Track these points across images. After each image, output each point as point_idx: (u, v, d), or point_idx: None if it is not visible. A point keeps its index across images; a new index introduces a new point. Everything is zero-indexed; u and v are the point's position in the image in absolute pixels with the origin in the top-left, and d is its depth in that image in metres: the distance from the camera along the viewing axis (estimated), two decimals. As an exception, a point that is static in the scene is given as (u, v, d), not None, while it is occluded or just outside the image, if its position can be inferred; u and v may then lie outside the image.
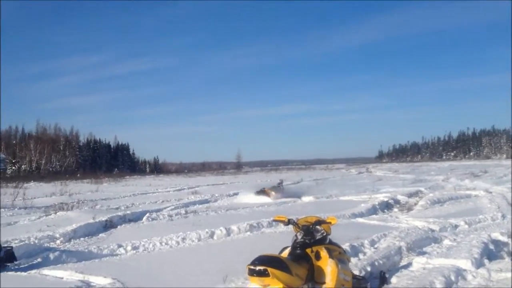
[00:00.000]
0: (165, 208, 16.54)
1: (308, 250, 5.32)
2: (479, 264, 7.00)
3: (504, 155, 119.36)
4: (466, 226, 11.09)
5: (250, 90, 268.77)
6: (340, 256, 5.56)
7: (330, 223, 5.56)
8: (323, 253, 5.31)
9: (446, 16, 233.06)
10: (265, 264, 4.54)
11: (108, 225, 12.50)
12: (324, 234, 5.57)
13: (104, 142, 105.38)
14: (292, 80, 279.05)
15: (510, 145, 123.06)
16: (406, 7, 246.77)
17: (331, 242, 5.64)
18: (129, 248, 9.27)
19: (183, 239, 10.02)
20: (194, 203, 18.89)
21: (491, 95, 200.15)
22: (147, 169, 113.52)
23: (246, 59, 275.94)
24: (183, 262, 7.90)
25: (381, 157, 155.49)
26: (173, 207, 17.01)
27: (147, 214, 14.32)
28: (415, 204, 16.29)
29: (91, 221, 12.43)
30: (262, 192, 20.69)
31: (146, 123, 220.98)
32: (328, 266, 5.21)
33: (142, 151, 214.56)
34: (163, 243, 9.67)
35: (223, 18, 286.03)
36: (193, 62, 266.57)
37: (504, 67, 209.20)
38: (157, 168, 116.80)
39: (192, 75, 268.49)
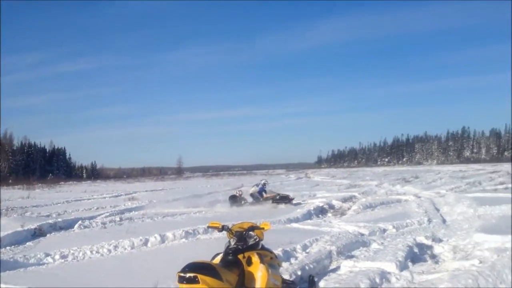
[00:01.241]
0: (99, 215, 16.18)
1: (240, 256, 5.40)
2: (403, 267, 7.34)
3: (435, 161, 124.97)
4: (394, 230, 11.56)
5: (192, 94, 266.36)
6: (272, 261, 5.67)
7: (263, 228, 5.67)
8: (255, 258, 5.41)
9: (392, 22, 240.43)
10: (195, 271, 4.57)
11: (37, 233, 12.11)
12: (257, 240, 5.67)
13: (39, 146, 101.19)
14: (235, 83, 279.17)
15: (441, 151, 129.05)
16: (351, 12, 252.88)
17: (263, 248, 5.75)
18: (57, 257, 9.02)
19: (115, 247, 9.85)
20: (130, 209, 18.58)
21: (424, 101, 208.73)
22: (84, 175, 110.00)
23: (188, 61, 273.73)
24: (113, 271, 7.78)
25: (320, 163, 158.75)
26: (107, 214, 16.67)
27: (79, 222, 13.97)
28: (348, 209, 16.79)
29: (19, 229, 11.99)
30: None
31: (84, 127, 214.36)
32: (258, 271, 5.31)
33: (79, 156, 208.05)
34: (94, 252, 9.47)
35: (163, 18, 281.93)
36: (133, 64, 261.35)
37: (437, 75, 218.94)
38: (95, 174, 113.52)
39: (133, 77, 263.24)
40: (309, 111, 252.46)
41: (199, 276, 4.50)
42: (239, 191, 21.85)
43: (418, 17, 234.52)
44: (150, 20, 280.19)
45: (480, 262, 7.20)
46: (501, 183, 25.20)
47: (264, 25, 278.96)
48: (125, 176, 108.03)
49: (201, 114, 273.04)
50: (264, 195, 20.48)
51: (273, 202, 19.35)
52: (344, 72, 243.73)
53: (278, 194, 20.26)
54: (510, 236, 9.05)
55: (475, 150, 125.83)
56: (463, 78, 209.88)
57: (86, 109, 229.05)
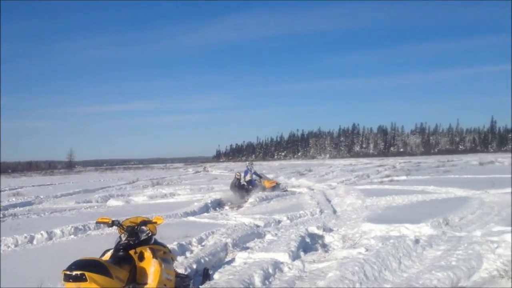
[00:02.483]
0: (-23, 212, 14.92)
1: (132, 252, 5.22)
2: (295, 257, 7.53)
3: (328, 155, 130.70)
4: (288, 222, 11.86)
5: (83, 87, 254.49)
6: (165, 256, 5.55)
7: (156, 223, 5.53)
8: (147, 253, 5.26)
9: (292, 21, 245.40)
10: (82, 268, 4.34)
11: None
12: (150, 234, 5.52)
13: None
14: (128, 76, 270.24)
15: (333, 145, 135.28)
16: (253, 9, 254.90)
17: (156, 242, 5.61)
18: None
19: (-5, 245, 9.12)
20: (14, 205, 17.36)
21: (318, 99, 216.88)
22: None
23: (78, 54, 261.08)
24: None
25: (218, 157, 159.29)
26: (-13, 211, 15.41)
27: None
28: (245, 201, 16.97)
29: None
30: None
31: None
32: (151, 266, 5.17)
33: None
34: (-30, 251, 8.70)
35: (49, 11, 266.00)
36: (23, 53, 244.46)
37: (329, 74, 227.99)
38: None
39: (23, 66, 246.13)
40: (208, 106, 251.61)
41: (87, 274, 4.29)
42: (238, 174, 20.01)
43: (312, 17, 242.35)
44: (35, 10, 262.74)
45: (367, 250, 7.59)
46: (387, 176, 26.87)
47: (164, 18, 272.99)
48: (10, 171, 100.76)
49: (94, 107, 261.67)
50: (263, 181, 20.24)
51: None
52: (242, 68, 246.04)
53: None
54: (394, 225, 9.68)
55: (364, 145, 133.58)
56: (351, 79, 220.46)
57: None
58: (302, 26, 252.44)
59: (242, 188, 19.27)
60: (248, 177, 20.06)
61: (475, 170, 29.82)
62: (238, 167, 68.19)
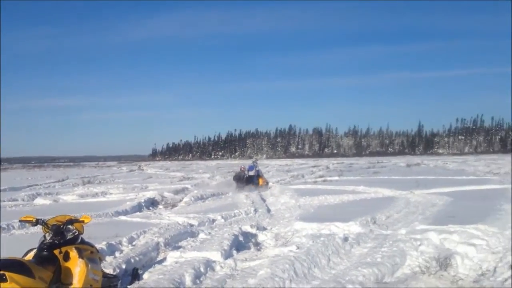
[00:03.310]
0: None
1: (57, 251, 5.05)
2: (227, 255, 7.56)
3: (265, 155, 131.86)
4: (223, 220, 11.87)
5: (17, 78, 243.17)
6: (92, 256, 5.41)
7: (83, 221, 5.37)
8: (73, 253, 5.11)
9: (232, 19, 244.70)
10: (3, 268, 4.18)
11: None
12: (76, 233, 5.36)
13: None
14: (60, 71, 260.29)
15: (270, 146, 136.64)
16: (192, 6, 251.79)
17: (83, 242, 5.45)
18: None
19: None
20: None
21: (256, 100, 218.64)
22: None
23: (15, 45, 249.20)
24: None
25: (154, 155, 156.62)
26: None
27: None
28: (180, 200, 16.82)
29: None
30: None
31: None
32: (77, 266, 5.03)
33: None
34: None
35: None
36: None
37: (270, 75, 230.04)
38: None
39: None
40: (144, 103, 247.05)
41: (7, 274, 4.13)
42: (243, 167, 22.48)
43: (252, 17, 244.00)
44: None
45: (298, 248, 7.72)
46: (320, 176, 27.52)
47: (100, 12, 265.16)
48: None
49: (22, 102, 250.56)
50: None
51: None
52: (180, 66, 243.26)
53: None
54: (325, 223, 9.92)
55: (300, 146, 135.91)
56: (288, 81, 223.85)
57: None
58: (241, 25, 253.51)
59: (247, 180, 21.58)
60: (252, 173, 21.99)
61: (403, 172, 31.17)
62: (174, 166, 67.52)
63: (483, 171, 29.65)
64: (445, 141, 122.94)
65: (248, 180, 21.51)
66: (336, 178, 25.67)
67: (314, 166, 45.96)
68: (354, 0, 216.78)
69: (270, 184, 22.74)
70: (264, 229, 10.31)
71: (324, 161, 64.63)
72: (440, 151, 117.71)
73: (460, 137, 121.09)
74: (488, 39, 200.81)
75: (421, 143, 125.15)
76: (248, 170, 22.06)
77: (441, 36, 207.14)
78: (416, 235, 8.30)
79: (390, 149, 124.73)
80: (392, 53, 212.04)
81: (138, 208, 14.71)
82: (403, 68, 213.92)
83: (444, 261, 6.64)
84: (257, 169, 22.33)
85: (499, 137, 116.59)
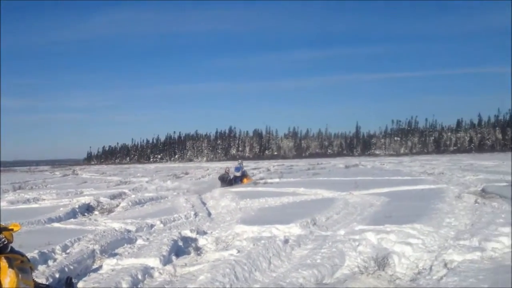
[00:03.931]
0: None
1: (-16, 262, 4.74)
2: (166, 261, 7.38)
3: (205, 158, 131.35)
4: (162, 225, 11.62)
5: None
6: (22, 265, 5.12)
7: (12, 230, 5.08)
8: (2, 263, 4.82)
9: (171, 20, 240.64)
10: None
11: None
12: (5, 242, 5.04)
13: None
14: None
15: (210, 148, 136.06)
16: (132, 7, 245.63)
17: (13, 251, 5.15)
18: None
19: None
20: None
21: (195, 102, 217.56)
22: None
23: None
24: None
25: (90, 159, 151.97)
26: None
27: None
28: (117, 206, 16.34)
29: None
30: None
31: None
32: (7, 277, 4.76)
33: None
34: None
35: None
36: None
37: (210, 76, 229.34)
38: None
39: None
40: (79, 106, 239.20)
41: None
42: (227, 168, 25.03)
43: (194, 18, 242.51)
44: None
45: (238, 251, 7.66)
46: (261, 178, 27.58)
47: (34, 9, 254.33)
48: None
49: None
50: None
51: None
52: (117, 67, 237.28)
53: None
54: (266, 226, 9.92)
55: (240, 149, 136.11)
56: (228, 82, 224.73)
57: None
58: (178, 26, 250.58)
59: (229, 181, 23.51)
60: (238, 174, 24.28)
61: (342, 173, 31.85)
62: (111, 170, 65.87)
63: (418, 171, 30.81)
64: (381, 142, 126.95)
65: (233, 180, 23.60)
66: (277, 180, 25.83)
67: (255, 168, 46.14)
68: (295, 0, 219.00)
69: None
70: (205, 233, 10.17)
71: (264, 163, 65.13)
72: (377, 152, 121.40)
73: (396, 138, 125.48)
74: (421, 43, 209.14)
75: (359, 144, 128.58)
76: (234, 171, 24.40)
77: (377, 39, 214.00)
78: (355, 236, 8.45)
79: (329, 151, 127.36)
80: (327, 56, 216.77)
81: (73, 214, 14.16)
82: (338, 70, 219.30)
83: (381, 261, 6.77)
84: (243, 170, 24.75)
85: (433, 138, 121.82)
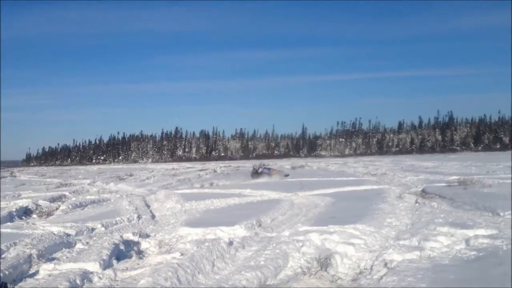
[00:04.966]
0: None
1: None
2: (107, 265, 7.17)
3: (150, 159, 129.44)
4: (103, 229, 11.28)
5: None
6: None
7: None
8: None
9: (117, 19, 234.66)
10: None
11: None
12: None
13: None
14: None
15: (156, 149, 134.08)
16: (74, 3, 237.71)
17: None
18: None
19: None
20: None
21: (141, 102, 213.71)
22: None
23: None
24: None
25: (29, 161, 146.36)
26: None
27: None
28: (56, 209, 15.74)
29: None
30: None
31: None
32: None
33: None
34: None
35: None
36: None
37: (156, 75, 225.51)
38: None
39: None
40: (16, 104, 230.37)
41: None
42: (255, 165, 31.27)
43: (140, 16, 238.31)
44: None
45: (182, 254, 7.55)
46: (207, 180, 27.46)
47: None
48: None
49: None
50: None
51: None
52: (57, 65, 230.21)
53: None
54: (210, 228, 9.84)
55: (187, 150, 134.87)
56: (174, 82, 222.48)
57: None
58: (124, 24, 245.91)
59: (258, 173, 28.81)
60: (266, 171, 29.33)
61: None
62: (51, 171, 63.69)
63: (362, 172, 31.57)
64: (327, 144, 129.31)
65: (263, 171, 29.20)
66: (223, 181, 25.79)
67: (201, 170, 45.91)
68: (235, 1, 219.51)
69: (155, 189, 22.26)
70: (148, 236, 9.97)
71: (211, 164, 64.96)
72: (323, 153, 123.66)
73: (341, 139, 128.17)
74: (364, 46, 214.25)
75: (305, 145, 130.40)
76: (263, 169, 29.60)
77: (323, 41, 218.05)
78: (299, 237, 8.50)
79: (276, 152, 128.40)
80: (273, 57, 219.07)
81: (9, 218, 13.52)
82: (284, 72, 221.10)
83: (324, 261, 6.85)
84: (267, 166, 30.94)
85: (376, 139, 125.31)
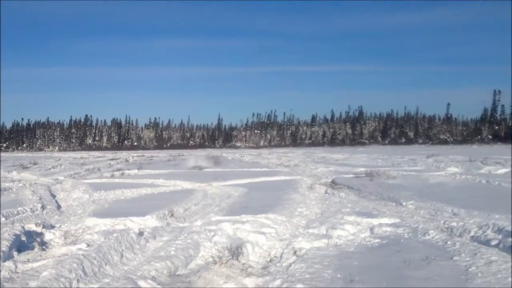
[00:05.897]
0: None
1: None
2: (6, 257, 6.70)
3: (57, 148, 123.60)
4: (3, 219, 10.50)
5: None
6: None
7: None
8: None
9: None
10: None
11: None
12: None
13: None
14: None
15: (63, 137, 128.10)
16: None
17: None
18: None
19: None
20: None
21: (46, 87, 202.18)
22: None
23: None
24: None
25: None
26: None
27: None
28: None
29: None
30: None
31: None
32: None
33: None
34: None
35: None
36: None
37: (70, 60, 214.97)
38: None
39: None
40: None
41: None
42: None
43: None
44: None
45: (88, 245, 7.25)
46: (118, 170, 26.66)
47: None
48: None
49: None
50: None
51: None
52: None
53: None
54: (120, 218, 9.54)
55: (97, 138, 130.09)
56: (88, 68, 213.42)
57: None
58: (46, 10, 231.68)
59: None
60: None
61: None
62: None
63: (275, 163, 32.20)
64: (242, 135, 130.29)
65: None
66: (135, 171, 25.18)
67: (112, 159, 44.57)
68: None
69: (61, 178, 21.29)
70: (52, 227, 9.47)
71: (123, 154, 63.17)
72: (238, 144, 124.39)
73: (256, 131, 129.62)
74: (277, 39, 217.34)
75: (221, 136, 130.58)
76: None
77: (238, 32, 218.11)
78: (211, 226, 8.47)
79: (191, 142, 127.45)
80: (189, 46, 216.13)
81: None
82: (200, 62, 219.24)
83: (236, 250, 6.88)
84: None
85: (290, 131, 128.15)
